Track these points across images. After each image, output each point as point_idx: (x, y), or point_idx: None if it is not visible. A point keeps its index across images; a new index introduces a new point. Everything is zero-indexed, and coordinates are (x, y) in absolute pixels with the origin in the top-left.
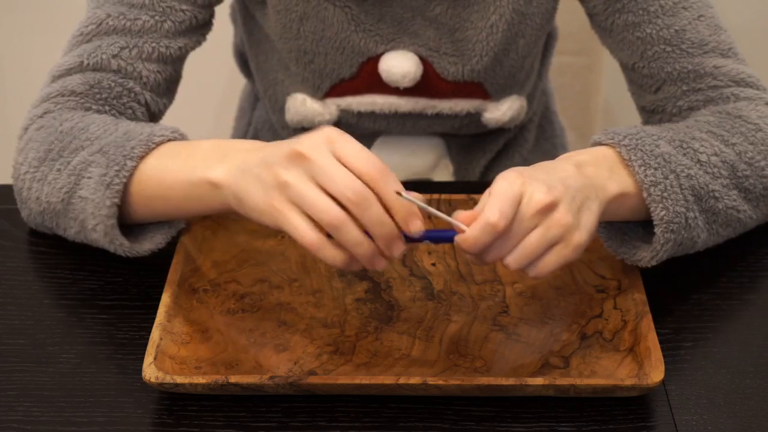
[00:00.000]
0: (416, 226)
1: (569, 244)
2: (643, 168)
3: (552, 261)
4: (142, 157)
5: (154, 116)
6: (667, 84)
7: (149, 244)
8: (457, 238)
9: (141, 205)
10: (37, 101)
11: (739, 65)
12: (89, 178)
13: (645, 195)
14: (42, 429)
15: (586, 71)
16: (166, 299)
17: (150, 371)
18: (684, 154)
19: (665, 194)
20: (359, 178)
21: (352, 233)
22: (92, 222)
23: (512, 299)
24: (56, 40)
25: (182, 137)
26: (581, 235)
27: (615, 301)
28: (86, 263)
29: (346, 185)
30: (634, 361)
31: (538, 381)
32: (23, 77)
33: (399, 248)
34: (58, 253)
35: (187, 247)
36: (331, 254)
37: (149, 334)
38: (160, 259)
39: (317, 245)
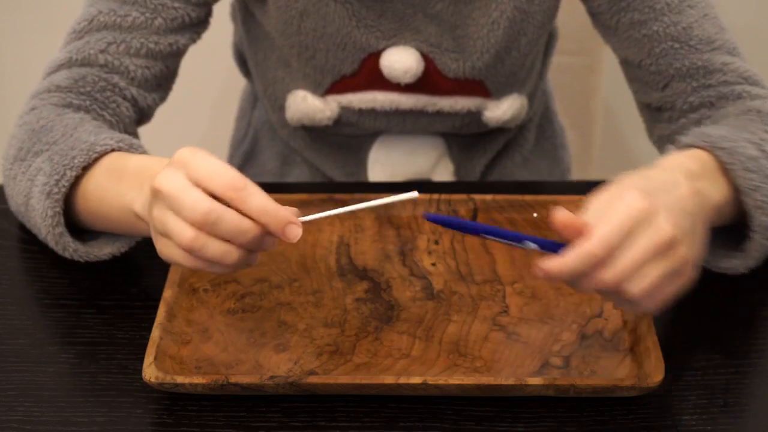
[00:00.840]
0: (293, 232)
1: (684, 275)
2: (744, 172)
3: (670, 292)
4: (83, 167)
5: (142, 111)
6: (675, 80)
7: (110, 248)
8: (547, 265)
9: (89, 220)
10: (28, 98)
11: (745, 64)
12: (36, 186)
13: (747, 200)
14: (42, 429)
15: (586, 71)
16: (166, 299)
17: (150, 371)
18: (764, 157)
19: (766, 199)
20: (216, 196)
21: (210, 249)
22: (43, 231)
23: (512, 299)
24: (56, 40)
25: (129, 147)
26: (694, 265)
27: None
28: (86, 263)
29: (192, 209)
30: (634, 361)
31: (538, 381)
32: (23, 77)
33: (269, 243)
34: (58, 253)
35: None
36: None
37: (149, 334)
38: (160, 259)
39: (192, 265)
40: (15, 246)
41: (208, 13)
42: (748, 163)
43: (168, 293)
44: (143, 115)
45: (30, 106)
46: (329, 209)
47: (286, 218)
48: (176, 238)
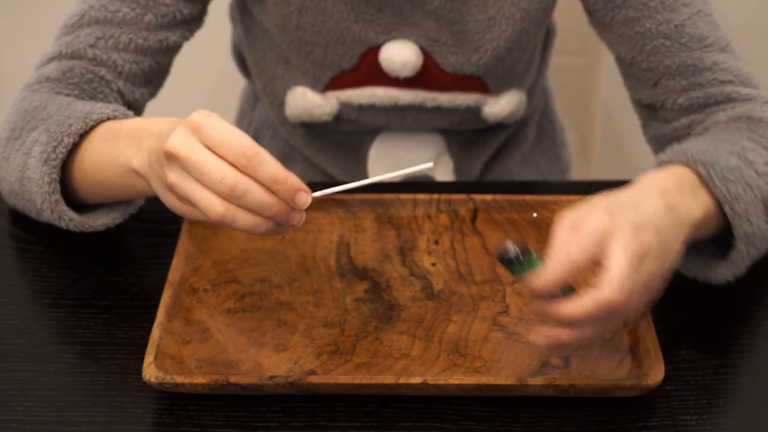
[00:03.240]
0: (302, 199)
1: (651, 290)
2: (724, 182)
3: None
4: (80, 134)
5: (130, 105)
6: (665, 78)
7: (105, 218)
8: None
9: (87, 189)
10: (19, 91)
11: (737, 62)
12: (33, 157)
13: (728, 210)
14: (42, 429)
15: (586, 71)
16: (166, 299)
17: (150, 371)
18: (746, 165)
19: (748, 207)
20: (228, 161)
21: (240, 221)
22: (39, 200)
23: (512, 299)
24: None
25: (123, 115)
26: (663, 280)
27: None
28: (86, 263)
29: (218, 178)
30: (634, 361)
31: (538, 381)
32: (23, 77)
33: (296, 219)
34: (59, 253)
35: (187, 247)
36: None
37: (149, 334)
38: (160, 259)
39: (225, 221)
40: (15, 246)
41: (202, 11)
42: (727, 173)
43: (168, 293)
44: (131, 108)
45: (20, 98)
46: (329, 209)
47: (294, 185)
48: (204, 210)
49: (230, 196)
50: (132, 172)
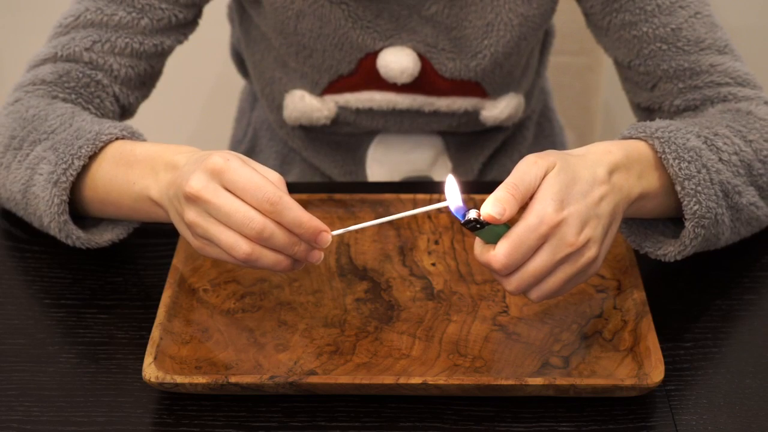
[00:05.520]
0: (324, 239)
1: (588, 273)
2: (677, 161)
3: (570, 288)
4: (90, 156)
5: (124, 108)
6: (663, 81)
7: (110, 234)
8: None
9: (96, 208)
10: (11, 90)
11: (736, 62)
12: (40, 174)
13: (678, 188)
14: (42, 429)
15: (586, 71)
16: (166, 299)
17: (150, 371)
18: (709, 149)
19: (698, 188)
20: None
21: (264, 260)
22: (46, 219)
23: (512, 299)
24: None
25: (131, 135)
26: (600, 261)
27: (615, 301)
28: (86, 263)
29: (245, 221)
30: (634, 361)
31: (538, 381)
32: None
33: (315, 257)
34: (58, 253)
35: (187, 247)
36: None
37: (149, 334)
38: (160, 259)
39: (250, 259)
40: (15, 246)
41: (197, 15)
42: (683, 152)
43: (168, 293)
44: (125, 111)
45: (14, 98)
46: (329, 209)
47: (317, 228)
48: (229, 250)
49: (257, 239)
50: (150, 201)
